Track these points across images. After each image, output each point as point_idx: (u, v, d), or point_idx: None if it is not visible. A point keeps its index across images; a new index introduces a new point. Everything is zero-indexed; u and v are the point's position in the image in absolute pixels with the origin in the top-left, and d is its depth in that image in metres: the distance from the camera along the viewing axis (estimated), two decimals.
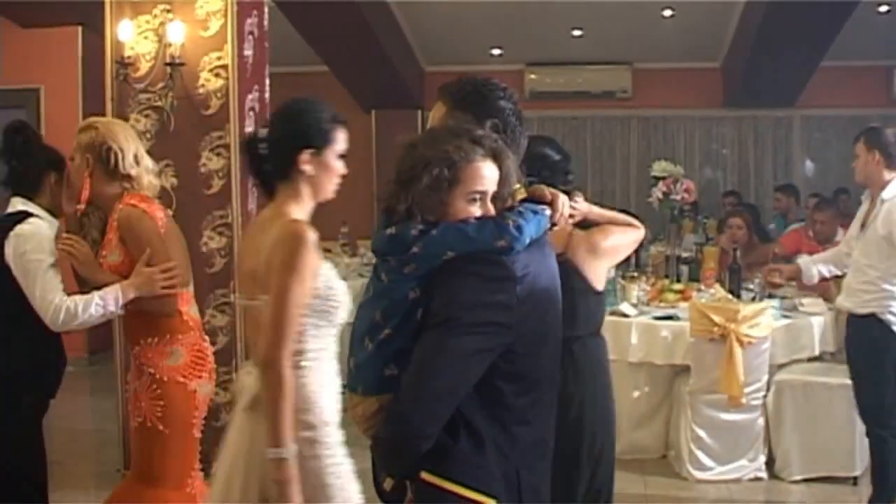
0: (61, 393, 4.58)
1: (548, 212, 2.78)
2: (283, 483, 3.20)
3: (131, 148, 4.31)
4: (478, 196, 2.70)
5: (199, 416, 4.35)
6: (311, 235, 3.30)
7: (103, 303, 4.10)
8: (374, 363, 2.75)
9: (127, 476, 4.78)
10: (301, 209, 3.51)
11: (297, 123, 3.52)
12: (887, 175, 5.86)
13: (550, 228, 2.84)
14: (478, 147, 2.70)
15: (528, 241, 2.64)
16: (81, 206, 4.30)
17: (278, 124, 3.56)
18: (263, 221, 3.56)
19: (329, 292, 3.41)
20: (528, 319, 2.63)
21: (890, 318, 5.83)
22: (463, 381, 2.60)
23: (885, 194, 5.86)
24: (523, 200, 2.82)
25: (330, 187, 3.57)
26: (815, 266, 6.58)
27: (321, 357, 3.45)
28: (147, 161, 4.40)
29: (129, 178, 4.27)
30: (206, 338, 4.51)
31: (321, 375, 3.44)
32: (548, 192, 2.89)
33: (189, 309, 4.36)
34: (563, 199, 2.88)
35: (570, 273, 4.00)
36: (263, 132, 3.56)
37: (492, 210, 2.71)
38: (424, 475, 2.66)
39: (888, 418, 5.93)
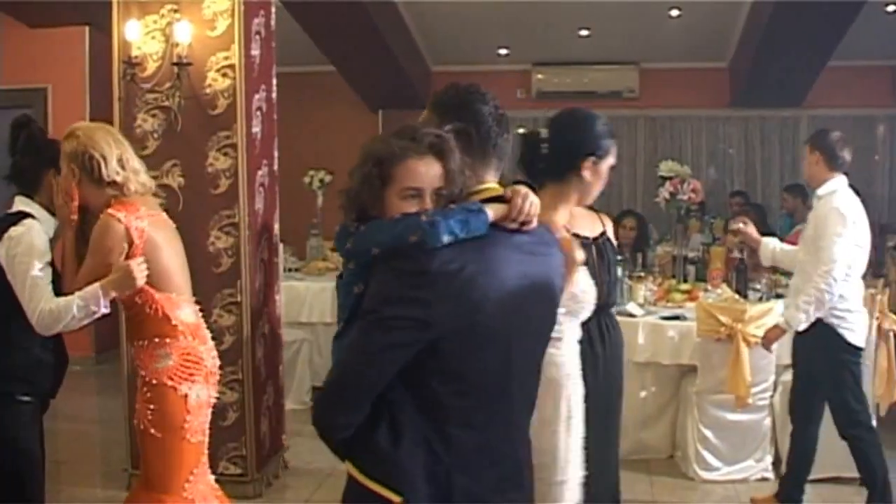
0: (68, 392, 4.59)
1: (490, 211, 2.71)
2: None
3: (114, 153, 4.25)
4: (412, 193, 2.73)
5: (195, 420, 4.30)
6: (580, 255, 3.69)
7: (84, 303, 4.08)
8: (334, 356, 2.87)
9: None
10: (565, 208, 3.95)
11: (585, 132, 3.96)
12: (826, 175, 6.07)
13: (520, 227, 2.78)
14: (414, 144, 2.74)
15: (446, 237, 2.59)
16: (75, 217, 4.29)
17: (565, 130, 3.96)
18: None
19: (582, 295, 3.84)
20: (453, 317, 2.60)
21: (834, 321, 5.95)
22: (373, 375, 2.62)
23: (820, 191, 6.11)
24: (492, 199, 2.80)
25: (595, 194, 4.02)
26: (774, 252, 6.61)
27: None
28: (134, 163, 4.35)
29: (115, 184, 4.23)
30: (206, 340, 4.48)
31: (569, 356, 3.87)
32: (510, 190, 2.83)
33: (179, 313, 4.30)
34: (523, 197, 2.78)
35: (612, 249, 4.68)
36: (545, 132, 3.93)
37: (429, 206, 2.72)
38: (347, 462, 2.74)
39: (856, 417, 6.01)
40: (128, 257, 4.10)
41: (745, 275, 7.70)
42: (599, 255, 4.57)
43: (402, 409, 2.65)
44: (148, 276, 4.18)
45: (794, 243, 7.50)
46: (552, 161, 3.94)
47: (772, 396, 6.90)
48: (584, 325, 4.22)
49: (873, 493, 6.07)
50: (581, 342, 4.06)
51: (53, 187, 4.35)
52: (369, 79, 13.28)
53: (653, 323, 7.23)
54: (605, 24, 12.40)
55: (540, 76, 14.69)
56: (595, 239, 4.60)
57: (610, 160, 4.05)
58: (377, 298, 2.63)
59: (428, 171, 2.73)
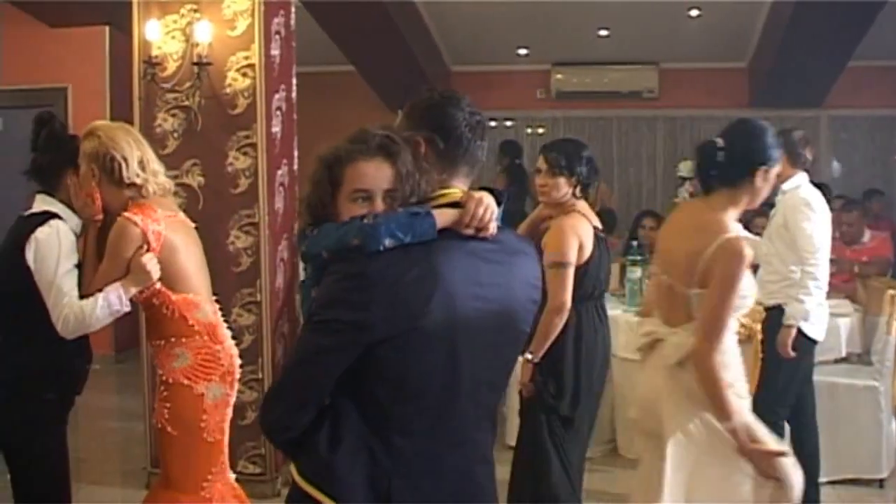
0: (88, 391, 4.60)
1: (441, 215, 2.66)
2: (744, 448, 3.91)
3: (135, 155, 4.24)
4: (362, 195, 2.71)
5: (212, 419, 4.31)
6: (749, 252, 3.95)
7: (107, 303, 4.09)
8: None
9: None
10: (735, 212, 4.18)
11: (761, 143, 4.20)
12: (790, 171, 6.25)
13: (477, 233, 2.70)
14: (361, 146, 2.72)
15: (387, 240, 2.54)
16: (100, 217, 4.29)
17: (740, 140, 4.21)
18: (695, 212, 4.37)
19: (742, 301, 4.08)
20: (392, 322, 2.55)
21: (784, 301, 6.14)
22: (314, 377, 2.62)
23: (785, 186, 6.30)
24: (451, 204, 2.73)
25: (761, 199, 4.31)
26: None
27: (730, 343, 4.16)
28: (154, 164, 4.34)
29: (134, 185, 4.23)
30: (224, 340, 4.47)
31: (730, 357, 4.15)
32: (465, 195, 2.76)
33: (196, 314, 4.30)
34: (476, 202, 2.70)
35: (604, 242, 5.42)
36: (721, 142, 4.19)
37: (380, 208, 2.69)
38: (292, 466, 2.73)
39: (779, 407, 6.14)
40: None
41: None
42: (605, 246, 5.40)
43: (344, 414, 2.64)
44: (165, 277, 4.19)
45: None
46: (726, 168, 4.18)
47: None
48: (591, 309, 5.26)
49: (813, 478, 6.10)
50: (591, 323, 4.99)
51: (72, 186, 4.34)
52: (389, 79, 13.28)
53: None
54: (625, 24, 12.38)
55: (559, 76, 14.68)
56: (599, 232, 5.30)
57: (777, 168, 4.30)
58: (321, 301, 2.63)
59: (377, 173, 2.71)
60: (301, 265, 2.95)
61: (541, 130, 15.26)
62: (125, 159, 4.19)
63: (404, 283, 2.56)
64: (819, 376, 6.86)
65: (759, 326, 6.51)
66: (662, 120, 14.90)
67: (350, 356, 2.57)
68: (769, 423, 5.92)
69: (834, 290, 7.47)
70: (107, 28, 10.86)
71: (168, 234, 4.22)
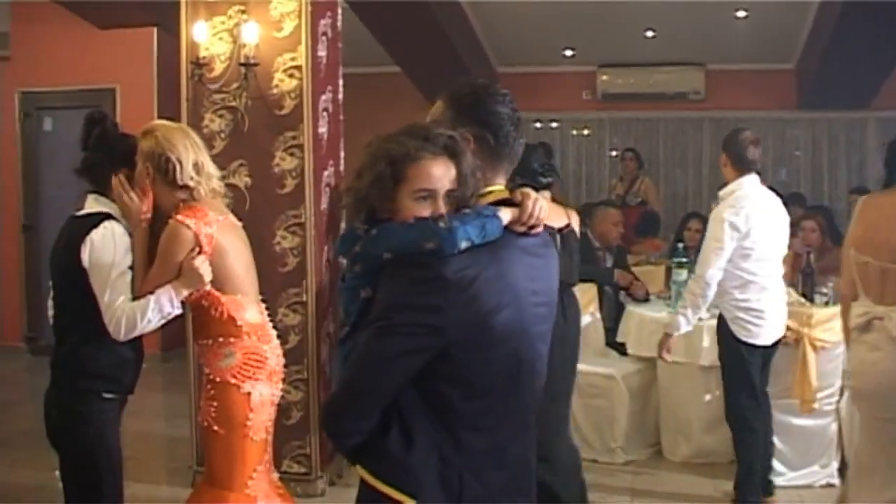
0: (135, 389, 4.63)
1: (503, 214, 2.70)
2: None
3: (190, 157, 4.25)
4: (425, 194, 2.68)
5: (258, 418, 4.32)
6: None
7: (158, 305, 4.10)
8: (339, 359, 2.84)
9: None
10: None
11: None
12: (732, 175, 6.36)
13: (530, 230, 2.77)
14: (428, 145, 2.69)
15: (463, 243, 2.56)
16: (148, 215, 4.30)
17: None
18: None
19: None
20: (466, 323, 2.58)
21: (728, 315, 6.33)
22: (386, 381, 2.61)
23: (721, 193, 6.48)
24: (500, 202, 2.78)
25: None
26: None
27: None
28: (209, 167, 4.35)
29: (187, 187, 4.25)
30: (271, 340, 4.48)
31: None
32: (520, 193, 2.81)
33: (245, 315, 4.31)
34: (533, 201, 2.76)
35: (575, 239, 5.73)
36: None
37: (442, 209, 2.67)
38: (358, 467, 2.74)
39: (739, 412, 6.41)
40: None
41: (812, 278, 7.61)
42: (563, 243, 5.37)
43: (413, 414, 2.66)
44: (215, 280, 4.20)
45: None
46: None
47: (838, 401, 6.82)
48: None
49: (740, 485, 6.42)
50: None
51: (116, 187, 4.34)
52: (435, 80, 13.25)
53: None
54: (671, 25, 12.34)
55: (605, 77, 14.67)
56: (560, 230, 5.40)
57: None
58: (389, 304, 2.60)
59: (442, 173, 2.69)
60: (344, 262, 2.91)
61: (586, 132, 15.25)
62: (180, 161, 4.21)
63: (477, 285, 2.58)
64: None
65: (806, 330, 6.49)
66: (709, 121, 14.85)
67: (424, 359, 2.60)
68: (733, 430, 6.47)
69: None
70: (155, 29, 10.94)
71: (219, 237, 4.23)
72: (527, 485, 2.91)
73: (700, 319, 6.93)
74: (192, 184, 4.24)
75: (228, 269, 4.27)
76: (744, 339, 6.25)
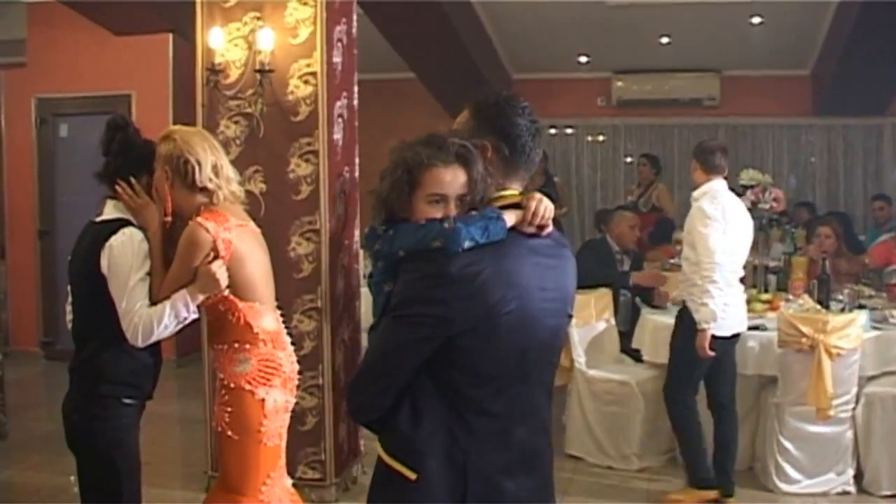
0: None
1: (508, 216, 2.90)
2: None
3: (209, 159, 4.26)
4: (437, 198, 2.92)
5: (272, 424, 4.33)
6: None
7: (174, 311, 4.10)
8: (369, 346, 3.05)
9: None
10: None
11: None
12: (702, 179, 6.79)
13: (540, 231, 2.98)
14: (441, 153, 2.92)
15: (466, 243, 2.78)
16: (168, 219, 4.30)
17: None
18: None
19: None
20: (470, 315, 2.79)
21: (691, 305, 6.51)
22: (399, 365, 2.86)
23: (695, 194, 6.80)
24: (509, 206, 2.96)
25: None
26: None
27: None
28: (228, 171, 4.37)
29: (206, 190, 4.26)
30: (286, 347, 4.49)
31: None
32: (525, 198, 3.00)
33: (261, 322, 4.32)
34: (537, 202, 2.96)
35: None
36: None
37: (453, 212, 2.91)
38: (377, 442, 2.99)
39: (682, 397, 6.74)
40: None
41: (828, 285, 7.60)
42: None
43: (424, 397, 2.88)
44: (232, 286, 4.20)
45: (882, 256, 7.58)
46: None
47: (854, 409, 6.81)
48: None
49: (689, 471, 6.82)
50: None
51: (124, 191, 4.34)
52: (450, 86, 13.31)
53: None
54: (686, 31, 12.34)
55: (620, 84, 14.67)
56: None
57: None
58: (402, 297, 2.86)
59: (453, 179, 2.92)
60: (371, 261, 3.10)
61: (601, 138, 15.24)
62: (199, 163, 4.22)
63: (480, 281, 2.79)
64: (883, 387, 6.88)
65: (821, 336, 6.48)
66: (724, 128, 14.80)
67: (432, 347, 2.82)
68: (678, 409, 6.73)
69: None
70: (170, 36, 10.99)
71: (238, 243, 4.23)
72: (536, 465, 3.09)
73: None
74: (210, 186, 4.25)
75: (246, 275, 4.27)
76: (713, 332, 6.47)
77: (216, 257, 4.12)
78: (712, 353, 6.41)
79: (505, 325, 2.85)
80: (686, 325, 6.54)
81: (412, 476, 2.86)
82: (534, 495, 3.06)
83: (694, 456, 6.76)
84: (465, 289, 2.77)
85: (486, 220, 2.84)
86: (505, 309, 2.83)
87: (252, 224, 4.49)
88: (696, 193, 6.75)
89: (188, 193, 4.26)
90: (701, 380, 6.73)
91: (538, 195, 2.99)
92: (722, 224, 6.49)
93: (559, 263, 3.07)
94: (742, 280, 6.88)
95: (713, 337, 6.39)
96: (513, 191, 3.05)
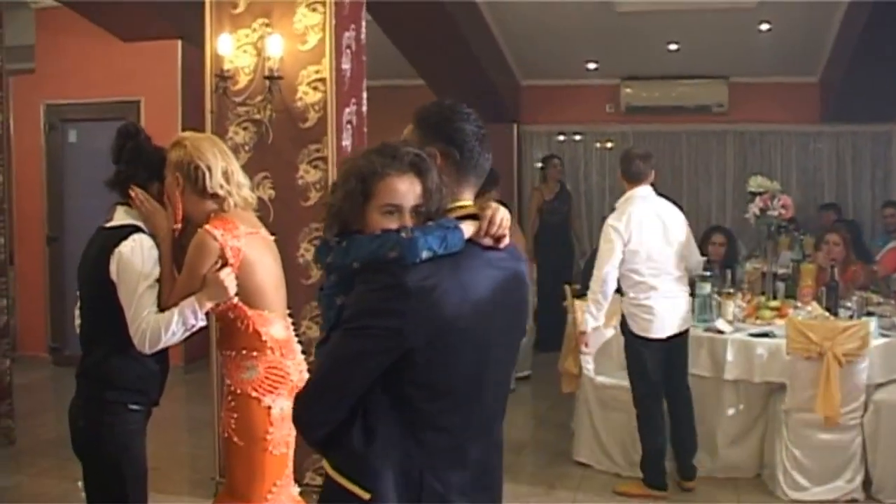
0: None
1: (465, 227, 2.85)
2: None
3: (220, 165, 4.25)
4: (392, 209, 2.84)
5: (278, 432, 4.31)
6: None
7: (182, 318, 4.09)
8: (317, 361, 2.97)
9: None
10: None
11: None
12: (627, 186, 7.19)
13: (496, 243, 2.93)
14: (395, 162, 2.85)
15: (424, 253, 2.72)
16: (178, 226, 4.30)
17: None
18: None
19: None
20: (427, 329, 2.73)
21: (625, 311, 7.12)
22: (351, 379, 2.78)
23: (617, 203, 7.25)
24: (467, 216, 2.92)
25: None
26: None
27: None
28: (239, 176, 4.35)
29: (217, 196, 4.25)
30: (295, 355, 4.47)
31: None
32: (481, 207, 2.97)
33: (270, 330, 4.30)
34: (493, 211, 2.92)
35: None
36: None
37: (408, 222, 2.83)
38: (324, 461, 2.91)
39: (637, 395, 7.12)
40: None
41: (836, 292, 7.59)
42: None
43: (377, 412, 2.80)
44: (242, 293, 4.19)
45: (891, 263, 7.64)
46: None
47: (862, 416, 6.80)
48: None
49: (643, 465, 7.08)
50: None
51: (137, 196, 4.34)
52: (459, 92, 13.20)
53: (742, 340, 7.17)
54: (694, 38, 12.33)
55: (628, 90, 14.64)
56: None
57: None
58: (356, 309, 2.77)
59: (409, 189, 2.85)
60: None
61: (609, 145, 15.22)
62: (209, 168, 4.20)
63: (437, 294, 2.73)
64: (891, 395, 6.89)
65: (829, 344, 6.48)
66: (732, 135, 14.79)
67: (387, 360, 2.75)
68: (643, 414, 7.05)
69: None
70: (179, 42, 11.01)
71: (247, 251, 4.21)
72: (489, 485, 3.06)
73: (722, 333, 6.99)
74: (221, 192, 4.24)
75: (256, 283, 4.26)
76: (638, 332, 6.99)
77: (224, 265, 4.12)
78: (585, 350, 7.50)
79: (461, 339, 2.81)
80: (624, 331, 7.14)
81: (366, 496, 2.78)
82: None
83: (647, 456, 7.04)
84: (421, 302, 2.71)
85: (443, 230, 2.79)
86: (461, 323, 2.79)
87: (264, 231, 4.48)
88: (617, 204, 7.25)
89: (199, 200, 4.25)
90: (657, 380, 7.04)
91: (494, 204, 2.96)
92: (624, 236, 6.92)
93: (513, 276, 3.01)
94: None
95: (648, 340, 6.94)
96: (468, 202, 3.01)
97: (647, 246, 6.91)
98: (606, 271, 6.93)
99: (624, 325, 7.10)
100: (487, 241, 2.90)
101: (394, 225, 2.82)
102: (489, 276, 2.90)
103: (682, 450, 7.15)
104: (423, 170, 2.86)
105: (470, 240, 2.85)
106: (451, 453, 2.89)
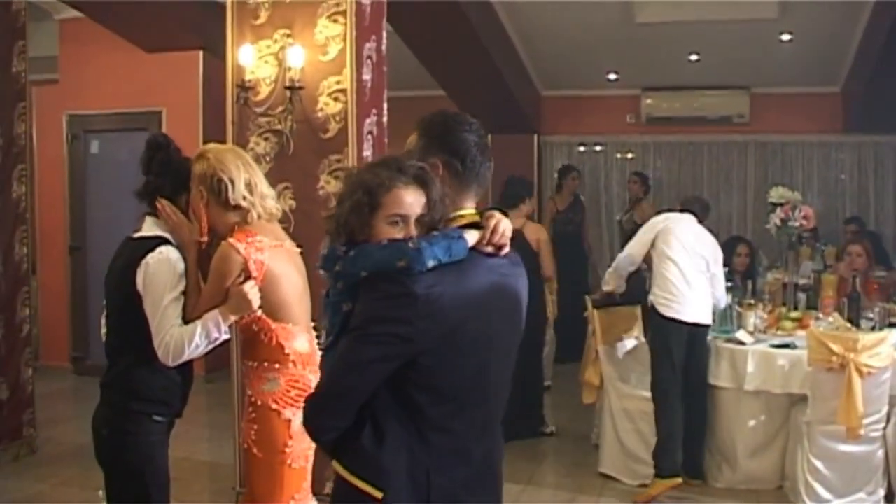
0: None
1: (469, 236, 2.95)
2: None
3: (242, 177, 4.25)
4: (398, 219, 2.95)
5: (297, 445, 4.30)
6: None
7: (205, 331, 4.10)
8: (324, 367, 3.09)
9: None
10: None
11: None
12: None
13: (497, 251, 3.03)
14: (400, 175, 2.97)
15: (430, 262, 2.81)
16: (204, 239, 4.30)
17: None
18: None
19: None
20: (433, 335, 2.83)
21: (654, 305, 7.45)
22: (360, 384, 2.87)
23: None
24: (469, 225, 3.02)
25: None
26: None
27: None
28: (263, 187, 4.35)
29: (240, 208, 4.25)
30: (317, 369, 4.46)
31: None
32: (485, 217, 3.07)
33: (294, 343, 4.32)
34: (496, 221, 3.03)
35: None
36: None
37: (413, 232, 2.94)
38: (334, 462, 2.99)
39: (655, 382, 7.37)
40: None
41: (858, 303, 7.56)
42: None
43: (386, 415, 2.90)
44: (266, 307, 4.19)
45: None
46: None
47: (885, 428, 6.76)
48: None
49: (657, 454, 7.22)
50: None
51: (164, 208, 4.35)
52: (480, 103, 13.27)
53: (763, 351, 7.16)
54: (715, 48, 12.31)
55: (649, 101, 14.63)
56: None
57: None
58: (365, 317, 2.87)
59: (414, 200, 2.96)
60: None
61: (630, 155, 15.20)
62: (232, 181, 4.21)
63: (443, 301, 2.84)
64: None
65: (852, 355, 6.45)
66: (753, 145, 14.75)
67: (394, 365, 2.85)
68: (663, 399, 7.23)
69: None
70: (200, 53, 11.04)
71: (271, 264, 4.21)
72: (492, 484, 3.18)
73: (743, 344, 6.99)
74: (245, 204, 4.24)
75: (280, 297, 4.26)
76: (665, 314, 7.26)
77: (248, 278, 4.13)
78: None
79: (465, 344, 2.92)
80: (651, 315, 7.44)
81: (378, 495, 2.87)
82: None
83: (664, 443, 7.17)
84: (428, 308, 2.80)
85: (448, 240, 2.89)
86: (466, 329, 2.90)
87: (288, 243, 4.48)
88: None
89: (222, 212, 4.25)
90: (679, 364, 7.25)
91: (497, 214, 3.05)
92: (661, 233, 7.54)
93: (514, 283, 3.13)
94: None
95: (677, 321, 7.24)
96: (470, 210, 3.11)
97: (681, 262, 7.36)
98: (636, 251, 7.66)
99: (653, 309, 7.37)
100: (489, 249, 3.01)
101: (399, 234, 2.93)
102: (491, 283, 3.00)
103: (692, 444, 7.27)
104: (426, 182, 2.98)
105: (472, 247, 2.95)
106: (455, 454, 2.99)
